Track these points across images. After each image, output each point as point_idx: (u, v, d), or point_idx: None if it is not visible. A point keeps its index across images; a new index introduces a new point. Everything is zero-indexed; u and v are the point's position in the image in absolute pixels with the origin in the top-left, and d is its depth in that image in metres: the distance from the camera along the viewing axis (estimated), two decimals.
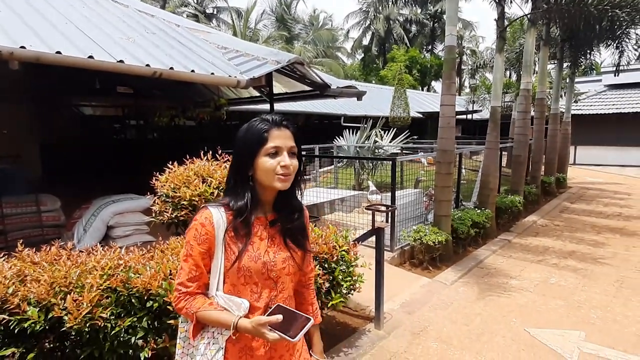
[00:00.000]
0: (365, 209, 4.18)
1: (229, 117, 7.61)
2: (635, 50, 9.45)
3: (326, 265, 2.69)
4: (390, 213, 4.72)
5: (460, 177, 6.75)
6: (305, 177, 9.67)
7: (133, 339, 1.99)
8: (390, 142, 9.67)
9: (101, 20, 4.03)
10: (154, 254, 2.40)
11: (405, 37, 33.01)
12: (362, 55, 35.27)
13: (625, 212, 8.02)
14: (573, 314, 3.65)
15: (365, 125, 9.54)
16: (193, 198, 2.89)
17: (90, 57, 2.94)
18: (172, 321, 1.99)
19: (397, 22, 33.22)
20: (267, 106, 8.60)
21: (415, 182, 7.53)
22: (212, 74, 3.71)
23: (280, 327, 1.08)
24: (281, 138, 1.18)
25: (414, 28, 35.02)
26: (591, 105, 17.66)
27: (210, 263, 1.23)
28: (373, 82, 29.54)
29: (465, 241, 5.51)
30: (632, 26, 6.41)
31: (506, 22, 6.52)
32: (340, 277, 2.74)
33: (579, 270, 4.73)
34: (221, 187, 3.05)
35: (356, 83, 17.41)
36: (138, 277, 2.06)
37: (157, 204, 3.04)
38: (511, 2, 6.68)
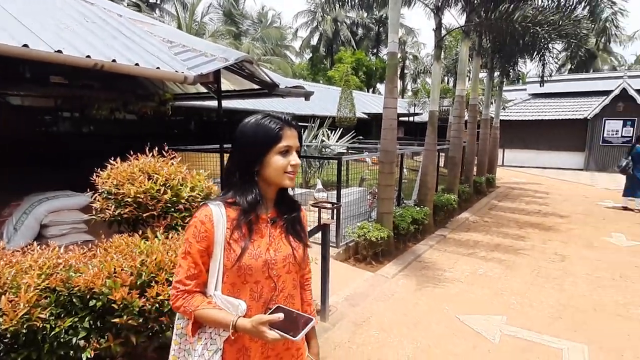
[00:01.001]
0: (312, 206, 4.30)
1: (174, 112, 7.38)
2: (555, 63, 10.55)
3: None
4: (335, 210, 4.89)
5: (402, 177, 7.12)
6: None
7: (74, 340, 1.94)
8: (337, 141, 9.91)
9: (35, 6, 3.76)
10: (96, 252, 2.34)
11: (352, 39, 33.80)
12: (310, 55, 35.56)
13: (543, 209, 8.92)
14: (497, 300, 4.05)
15: (313, 125, 9.69)
16: (138, 195, 2.82)
17: (25, 45, 2.75)
18: (117, 319, 1.96)
19: (344, 24, 33.91)
20: (213, 103, 8.44)
21: (360, 181, 7.82)
22: (158, 68, 3.62)
23: (280, 327, 1.07)
24: (292, 137, 1.22)
25: (360, 31, 35.96)
26: (517, 112, 19.33)
27: (209, 261, 1.21)
28: (321, 82, 29.90)
29: (406, 237, 5.85)
30: (551, 42, 7.21)
31: (443, 32, 6.99)
32: None
33: (503, 262, 5.22)
34: (168, 184, 3.02)
35: (304, 82, 17.56)
36: (80, 275, 2.01)
37: (98, 201, 2.93)
38: (448, 11, 7.13)
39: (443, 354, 3.06)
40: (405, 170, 7.86)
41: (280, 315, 1.08)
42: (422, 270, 4.89)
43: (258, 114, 1.27)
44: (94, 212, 2.98)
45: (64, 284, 1.98)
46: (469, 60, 8.47)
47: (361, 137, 13.16)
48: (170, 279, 2.15)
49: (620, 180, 9.87)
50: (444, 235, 6.53)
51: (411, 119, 22.27)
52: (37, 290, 1.88)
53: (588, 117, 17.14)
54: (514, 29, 6.05)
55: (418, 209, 6.33)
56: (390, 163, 5.33)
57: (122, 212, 2.86)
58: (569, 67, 30.00)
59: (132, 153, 3.18)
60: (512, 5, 6.19)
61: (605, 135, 17.13)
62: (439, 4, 6.51)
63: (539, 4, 7.78)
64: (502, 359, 3.01)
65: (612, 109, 16.65)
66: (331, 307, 3.62)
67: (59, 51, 2.92)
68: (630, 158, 8.53)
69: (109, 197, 2.92)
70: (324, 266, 3.37)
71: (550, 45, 7.86)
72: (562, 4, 7.66)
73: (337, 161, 5.14)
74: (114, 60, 3.24)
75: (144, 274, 2.12)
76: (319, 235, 3.48)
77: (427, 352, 3.08)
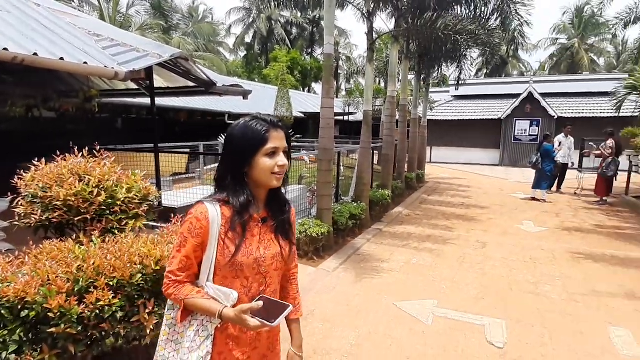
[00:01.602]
0: None
1: (99, 109, 6.89)
2: (470, 70, 11.58)
3: None
4: None
5: (339, 174, 7.36)
6: (190, 175, 9.31)
7: (4, 355, 1.81)
8: None
9: None
10: (25, 259, 2.18)
11: (286, 38, 33.82)
12: (245, 52, 34.96)
13: (466, 201, 9.76)
14: (429, 286, 4.40)
15: None
16: (69, 198, 2.65)
17: None
18: (53, 329, 1.86)
19: (279, 23, 33.81)
20: (145, 100, 8.03)
21: (299, 179, 7.93)
22: (86, 63, 3.40)
23: (262, 315, 1.15)
24: (279, 139, 1.26)
25: (295, 30, 36.10)
26: (442, 112, 20.81)
27: (202, 255, 1.27)
28: (256, 80, 29.58)
29: (345, 232, 6.08)
30: (469, 49, 7.93)
31: (375, 36, 7.35)
32: None
33: (433, 251, 5.66)
34: (101, 186, 2.87)
35: (239, 81, 17.26)
36: (8, 285, 1.87)
37: (22, 205, 2.71)
38: (380, 18, 7.50)
39: (383, 338, 3.28)
40: (342, 167, 8.13)
41: (259, 303, 1.16)
42: (361, 262, 5.13)
43: (247, 116, 1.31)
44: (17, 218, 2.75)
45: None
46: (398, 63, 8.97)
47: (299, 135, 13.31)
48: (111, 283, 2.08)
49: (529, 174, 11.10)
50: (380, 229, 6.88)
51: (346, 118, 22.89)
52: None
53: (501, 118, 18.98)
54: (437, 36, 6.57)
55: (355, 204, 6.60)
56: (329, 161, 5.51)
57: (50, 217, 2.67)
58: (484, 71, 32.90)
59: (57, 154, 2.98)
60: (435, 14, 6.71)
61: (516, 134, 19.08)
62: (370, 9, 6.83)
63: (458, 12, 8.53)
64: (434, 338, 3.30)
65: (521, 110, 18.59)
66: None
67: None
68: (539, 154, 9.62)
69: (35, 200, 2.72)
70: None
71: (468, 52, 8.63)
72: (478, 14, 8.45)
73: None
74: (35, 54, 3.00)
75: (81, 279, 2.03)
76: None
77: (368, 338, 3.27)
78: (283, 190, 1.43)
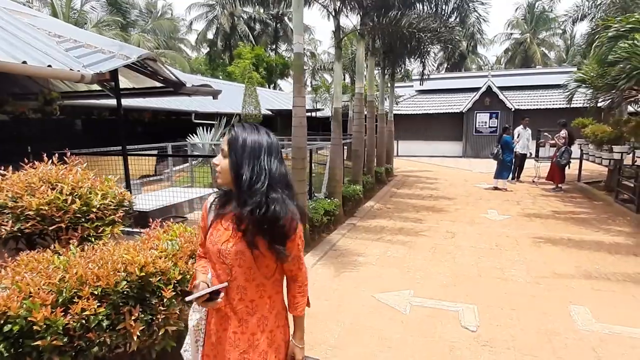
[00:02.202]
0: None
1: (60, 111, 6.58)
2: (434, 65, 11.96)
3: None
4: None
5: (312, 171, 7.43)
6: (159, 177, 9.07)
7: None
8: None
9: None
10: (1, 272, 2.11)
11: (250, 34, 33.35)
12: (208, 49, 34.17)
13: (434, 193, 10.11)
14: (404, 277, 4.57)
15: (219, 124, 9.50)
16: (41, 207, 2.58)
17: None
18: (38, 342, 1.82)
19: (241, 19, 33.29)
20: (106, 101, 7.75)
21: None
22: (50, 66, 3.27)
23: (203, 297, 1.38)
24: (224, 141, 1.41)
25: (258, 26, 35.64)
26: (407, 107, 21.31)
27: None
28: (220, 77, 29.02)
29: (320, 228, 6.17)
30: (431, 45, 8.19)
31: (342, 34, 7.45)
32: None
33: (406, 243, 5.85)
34: (75, 194, 2.80)
35: (203, 78, 16.90)
36: None
37: None
38: (346, 15, 7.62)
39: (364, 329, 3.39)
40: (313, 164, 8.21)
41: (198, 284, 1.46)
42: (338, 257, 5.24)
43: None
44: None
45: None
46: (364, 59, 9.13)
47: None
48: (96, 292, 2.06)
49: (490, 164, 11.62)
50: (353, 223, 7.02)
51: (314, 114, 22.97)
52: None
53: (463, 111, 19.69)
54: (402, 34, 6.76)
55: (329, 200, 6.70)
56: (303, 159, 5.57)
57: (22, 227, 2.58)
58: (445, 66, 33.95)
59: (15, 159, 2.86)
60: (399, 12, 6.89)
61: (477, 126, 19.87)
62: (337, 7, 6.91)
63: (420, 10, 8.78)
64: (413, 326, 3.45)
65: (481, 103, 19.38)
66: None
67: None
68: (499, 146, 10.10)
69: (4, 211, 2.61)
70: None
71: (430, 48, 8.92)
72: (439, 12, 8.74)
73: None
74: None
75: (65, 290, 2.00)
76: None
77: (350, 330, 3.38)
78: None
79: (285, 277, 1.57)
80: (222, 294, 1.40)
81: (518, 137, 11.35)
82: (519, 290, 4.20)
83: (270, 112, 17.95)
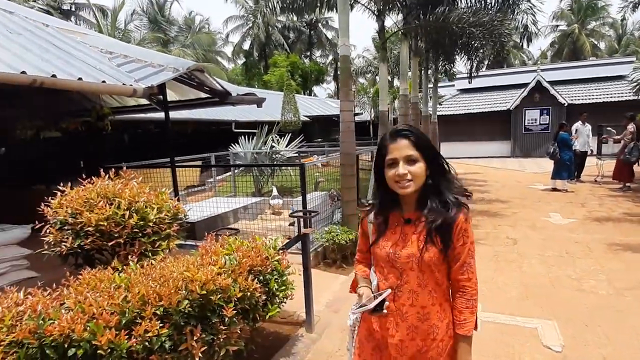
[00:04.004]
0: (290, 216, 4.17)
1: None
2: (481, 61, 11.40)
3: (261, 278, 2.62)
4: (309, 219, 4.80)
5: (359, 178, 7.21)
6: (202, 187, 9.20)
7: None
8: (286, 146, 9.81)
9: None
10: (64, 292, 2.05)
11: (284, 43, 33.81)
12: (244, 59, 34.96)
13: (486, 196, 9.55)
14: None
15: (261, 132, 9.51)
16: (100, 223, 2.53)
17: None
18: None
19: (276, 28, 33.82)
20: (156, 114, 7.93)
21: (315, 184, 7.79)
22: (104, 82, 3.29)
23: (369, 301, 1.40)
24: (397, 149, 1.37)
25: (292, 34, 36.09)
26: (449, 107, 20.60)
27: (368, 244, 1.58)
28: (256, 86, 29.58)
29: None
30: (483, 41, 7.76)
31: (386, 35, 7.20)
32: (275, 287, 2.70)
33: None
34: (132, 208, 2.75)
35: (240, 88, 17.17)
36: (52, 323, 1.74)
37: (52, 233, 2.59)
38: (389, 14, 7.37)
39: None
40: (359, 171, 7.97)
41: (362, 293, 1.52)
42: None
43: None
44: (45, 247, 2.62)
45: (33, 335, 1.70)
46: (408, 60, 8.82)
47: (307, 140, 13.16)
48: (158, 312, 1.95)
49: (544, 164, 10.88)
50: None
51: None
52: (1, 347, 1.60)
53: (510, 109, 18.72)
54: (451, 30, 6.41)
55: None
56: (352, 165, 5.37)
57: (82, 243, 2.55)
58: (486, 62, 32.66)
59: (84, 176, 2.85)
60: (447, 8, 6.55)
61: (526, 124, 18.81)
62: (380, 7, 6.69)
63: (464, 5, 8.35)
64: (486, 345, 3.12)
65: (530, 99, 18.34)
66: (315, 316, 3.53)
67: None
68: (556, 144, 9.40)
69: (64, 228, 2.60)
70: (306, 276, 3.28)
71: (481, 43, 8.46)
72: (487, 3, 8.26)
73: (299, 168, 5.03)
74: (53, 76, 2.88)
75: (127, 311, 1.90)
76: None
77: None
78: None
79: (451, 289, 1.49)
80: (387, 303, 1.38)
81: (576, 133, 10.54)
82: (602, 304, 3.75)
83: (307, 118, 17.95)
